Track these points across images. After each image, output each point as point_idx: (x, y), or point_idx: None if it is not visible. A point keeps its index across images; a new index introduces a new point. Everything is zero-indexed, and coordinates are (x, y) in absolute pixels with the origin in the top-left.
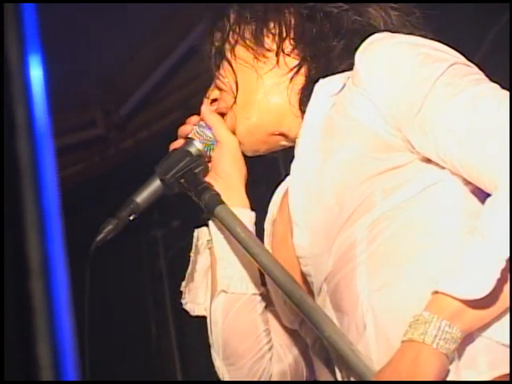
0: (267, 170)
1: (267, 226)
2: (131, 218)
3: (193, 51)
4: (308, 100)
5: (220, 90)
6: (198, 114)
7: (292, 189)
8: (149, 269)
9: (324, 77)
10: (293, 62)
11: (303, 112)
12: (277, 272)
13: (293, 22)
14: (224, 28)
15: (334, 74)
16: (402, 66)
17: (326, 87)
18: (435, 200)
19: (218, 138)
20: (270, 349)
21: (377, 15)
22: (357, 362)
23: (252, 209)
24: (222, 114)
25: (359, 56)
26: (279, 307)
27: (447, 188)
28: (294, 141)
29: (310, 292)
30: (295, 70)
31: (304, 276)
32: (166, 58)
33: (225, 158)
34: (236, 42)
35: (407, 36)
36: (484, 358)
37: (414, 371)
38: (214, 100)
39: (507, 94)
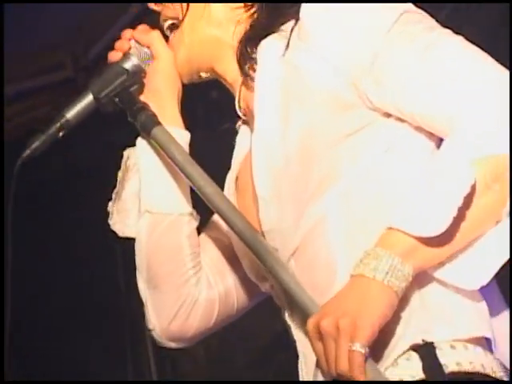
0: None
1: (229, 182)
2: (61, 134)
3: None
4: (250, 49)
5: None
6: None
7: (255, 161)
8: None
9: (269, 21)
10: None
11: (243, 58)
12: (218, 199)
13: None
14: None
15: (279, 20)
16: (352, 18)
17: (270, 49)
18: (400, 162)
19: (154, 53)
20: (195, 273)
21: None
22: (302, 295)
23: (186, 127)
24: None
25: (307, 9)
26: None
27: (409, 146)
28: (229, 84)
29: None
30: (249, 8)
31: None
32: (130, 6)
33: (158, 73)
34: None
35: None
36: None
37: (362, 306)
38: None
39: (460, 38)
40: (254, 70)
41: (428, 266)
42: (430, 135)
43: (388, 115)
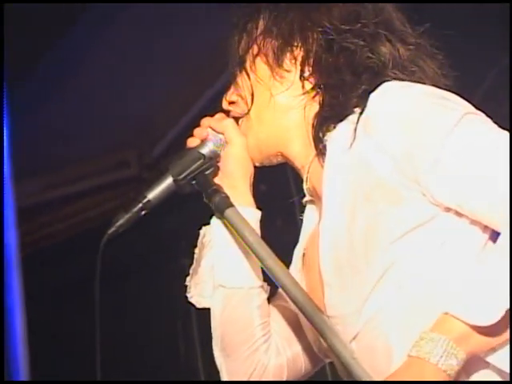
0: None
1: (296, 257)
2: (143, 213)
3: (220, 96)
4: (320, 132)
5: (237, 95)
6: (212, 115)
7: (322, 249)
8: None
9: (335, 108)
10: (307, 87)
11: (315, 142)
12: (283, 277)
13: (314, 49)
14: (251, 34)
15: (345, 107)
16: (417, 118)
17: (339, 140)
18: (454, 255)
19: (228, 139)
20: (265, 341)
21: (386, 52)
22: (359, 371)
23: (257, 207)
24: (237, 118)
25: (374, 104)
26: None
27: (464, 239)
28: (296, 168)
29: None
30: (310, 95)
31: None
32: (194, 103)
33: (231, 158)
34: (257, 54)
35: (419, 86)
36: None
37: None
38: (232, 102)
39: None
40: (324, 155)
41: (479, 352)
42: (485, 228)
43: (448, 209)
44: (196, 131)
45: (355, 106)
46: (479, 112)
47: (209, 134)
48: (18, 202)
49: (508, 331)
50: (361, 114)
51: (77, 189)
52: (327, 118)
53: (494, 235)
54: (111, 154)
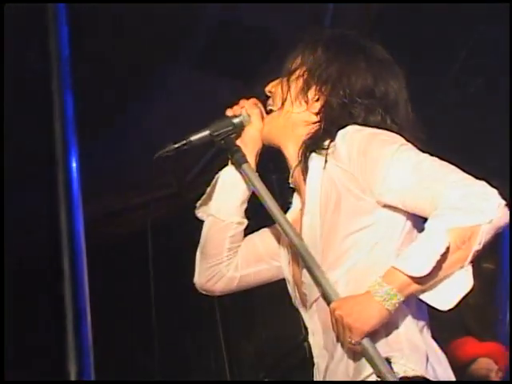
0: None
1: (290, 217)
2: (185, 147)
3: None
4: (307, 156)
5: (275, 90)
6: (248, 98)
7: (305, 236)
8: None
9: (321, 138)
10: (312, 119)
11: (304, 154)
12: (283, 221)
13: (329, 100)
14: (304, 60)
15: (326, 139)
16: (368, 150)
17: (316, 161)
18: (389, 245)
19: (252, 120)
20: (228, 259)
21: (375, 122)
22: (328, 287)
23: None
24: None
25: (340, 142)
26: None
27: (398, 229)
28: (288, 163)
29: (302, 297)
30: (312, 123)
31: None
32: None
33: (248, 133)
34: (299, 77)
35: (369, 129)
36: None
37: (361, 315)
38: (270, 92)
39: (435, 158)
40: (307, 168)
41: (415, 294)
42: (417, 219)
43: (389, 209)
44: (234, 107)
45: (331, 140)
46: (409, 143)
47: (242, 112)
48: (94, 211)
49: (435, 279)
50: (329, 146)
51: (135, 202)
52: (313, 144)
53: (418, 223)
54: (159, 177)
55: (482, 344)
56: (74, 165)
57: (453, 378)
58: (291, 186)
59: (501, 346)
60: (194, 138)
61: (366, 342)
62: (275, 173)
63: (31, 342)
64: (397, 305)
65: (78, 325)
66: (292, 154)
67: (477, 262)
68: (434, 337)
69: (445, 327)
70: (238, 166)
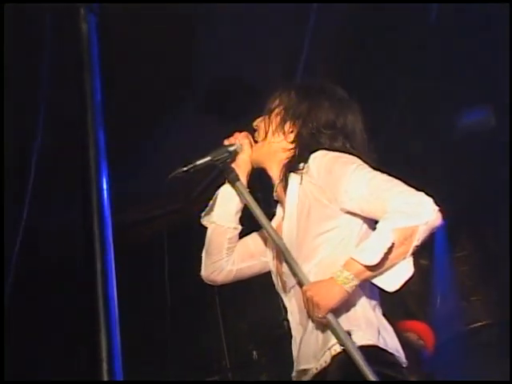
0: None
1: (274, 223)
2: (192, 170)
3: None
4: (287, 176)
5: (260, 126)
6: (241, 131)
7: (284, 235)
8: None
9: (297, 161)
10: (288, 147)
11: (284, 174)
12: (267, 226)
13: (300, 131)
14: (281, 101)
15: (301, 162)
16: (334, 169)
17: (295, 179)
18: (349, 242)
19: (244, 150)
20: (227, 256)
21: (337, 147)
22: (302, 276)
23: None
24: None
25: (311, 163)
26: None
27: (355, 231)
28: (272, 181)
29: (283, 284)
30: (288, 151)
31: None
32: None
33: (240, 158)
34: (277, 115)
35: (333, 153)
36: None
37: (327, 295)
38: (257, 126)
39: (386, 175)
40: (287, 184)
41: (369, 279)
42: (371, 221)
43: (349, 215)
44: (230, 138)
45: (305, 161)
46: (364, 163)
47: (235, 142)
48: (121, 222)
49: (384, 267)
50: (303, 167)
51: (154, 214)
52: (291, 166)
53: (372, 225)
54: (170, 195)
55: (413, 322)
56: (105, 186)
57: (398, 346)
58: (275, 198)
59: (426, 325)
60: (198, 162)
61: (330, 317)
62: (261, 191)
63: (70, 329)
64: (354, 287)
65: (107, 310)
66: (275, 174)
67: (415, 259)
68: (384, 314)
69: (392, 309)
70: (233, 184)
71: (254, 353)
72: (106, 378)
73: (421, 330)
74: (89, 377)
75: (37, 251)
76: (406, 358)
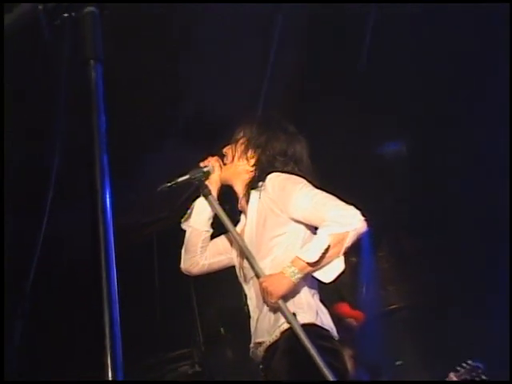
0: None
1: (238, 229)
2: (175, 185)
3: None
4: (249, 192)
5: (228, 152)
6: (213, 155)
7: (246, 239)
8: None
9: (257, 180)
10: (250, 169)
11: (247, 190)
12: (233, 230)
13: (260, 158)
14: (245, 133)
15: (259, 180)
16: (285, 187)
17: (255, 194)
18: (296, 244)
19: (215, 171)
20: (201, 253)
21: (287, 171)
22: (259, 270)
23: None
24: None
25: (268, 182)
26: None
27: (301, 235)
28: (237, 195)
29: (244, 276)
30: (250, 172)
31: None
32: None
33: (212, 177)
34: (241, 144)
35: (284, 174)
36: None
37: (278, 282)
38: (226, 152)
39: (324, 192)
40: (249, 198)
41: (311, 272)
42: (312, 228)
43: (296, 223)
44: (205, 161)
45: (263, 180)
46: (309, 183)
47: (209, 164)
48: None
49: (322, 264)
50: (262, 185)
51: (146, 221)
52: (252, 184)
53: (313, 231)
54: (161, 205)
55: (352, 310)
56: (108, 197)
57: (332, 324)
58: (239, 209)
59: (359, 311)
60: (179, 179)
61: (281, 302)
62: (228, 203)
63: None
64: (299, 279)
65: (111, 306)
66: (240, 190)
67: (346, 257)
68: (321, 300)
69: (328, 294)
70: (206, 197)
71: (222, 330)
72: (110, 377)
73: (351, 312)
74: (92, 375)
75: (50, 254)
76: (340, 333)
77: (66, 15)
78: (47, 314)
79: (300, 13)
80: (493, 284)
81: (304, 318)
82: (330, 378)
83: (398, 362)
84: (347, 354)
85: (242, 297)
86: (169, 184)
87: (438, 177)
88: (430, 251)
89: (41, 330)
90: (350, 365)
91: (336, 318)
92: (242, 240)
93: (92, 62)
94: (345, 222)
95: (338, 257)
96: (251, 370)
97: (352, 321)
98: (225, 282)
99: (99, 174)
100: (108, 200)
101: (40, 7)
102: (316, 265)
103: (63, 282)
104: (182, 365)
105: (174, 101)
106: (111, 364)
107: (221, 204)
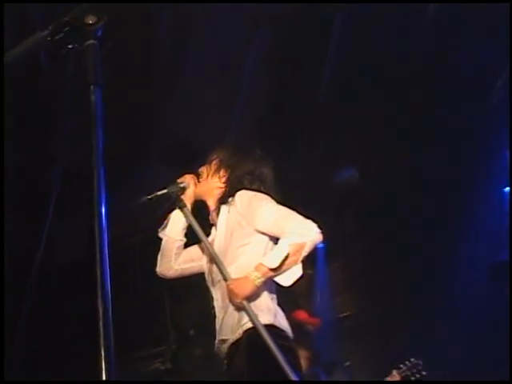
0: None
1: (209, 238)
2: (154, 199)
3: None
4: (219, 206)
5: (203, 171)
6: (190, 173)
7: (215, 246)
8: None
9: (228, 195)
10: (221, 185)
11: (218, 204)
12: (204, 239)
13: (230, 177)
14: (219, 155)
15: (229, 196)
16: (251, 203)
17: (224, 208)
18: (259, 253)
19: (190, 187)
20: (175, 259)
21: (254, 189)
22: (227, 274)
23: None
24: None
25: (237, 197)
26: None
27: (264, 244)
28: (208, 209)
29: (212, 279)
30: (221, 188)
31: (211, 275)
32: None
33: (187, 193)
34: (215, 164)
35: (251, 192)
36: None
37: (243, 285)
38: (201, 171)
39: (286, 208)
40: (219, 212)
41: (272, 277)
42: (274, 238)
43: (260, 234)
44: (181, 178)
45: (233, 196)
46: (273, 200)
47: (185, 181)
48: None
49: (282, 270)
50: (231, 200)
51: (129, 231)
52: (223, 199)
53: (275, 241)
54: (142, 217)
55: (309, 317)
56: (103, 209)
57: (288, 326)
58: (210, 222)
59: (315, 318)
60: (159, 193)
61: (245, 303)
62: (200, 216)
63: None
64: (261, 283)
65: (104, 300)
66: (211, 204)
67: (303, 268)
68: (279, 304)
69: (287, 303)
70: (181, 210)
71: (192, 331)
72: (104, 377)
73: (308, 317)
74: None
75: (54, 257)
76: (299, 337)
77: (70, 46)
78: (46, 314)
79: (266, 51)
80: (438, 287)
81: (264, 319)
82: (288, 371)
83: (346, 363)
84: (303, 356)
85: (209, 301)
86: (149, 197)
87: (387, 196)
88: (379, 261)
89: (41, 330)
90: (304, 364)
91: (295, 324)
92: (212, 248)
93: (92, 86)
94: (303, 233)
95: (297, 264)
96: (217, 367)
97: (310, 327)
98: (195, 287)
99: (97, 187)
100: (103, 211)
101: (48, 38)
102: (277, 270)
103: (59, 284)
104: (154, 362)
105: (157, 130)
106: (105, 364)
107: (194, 216)
